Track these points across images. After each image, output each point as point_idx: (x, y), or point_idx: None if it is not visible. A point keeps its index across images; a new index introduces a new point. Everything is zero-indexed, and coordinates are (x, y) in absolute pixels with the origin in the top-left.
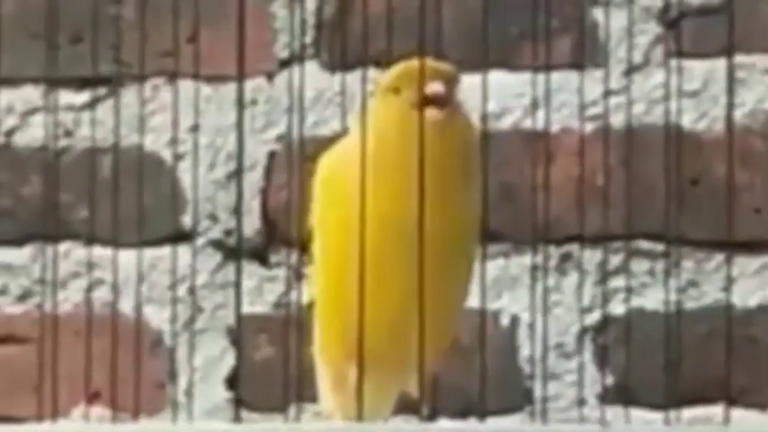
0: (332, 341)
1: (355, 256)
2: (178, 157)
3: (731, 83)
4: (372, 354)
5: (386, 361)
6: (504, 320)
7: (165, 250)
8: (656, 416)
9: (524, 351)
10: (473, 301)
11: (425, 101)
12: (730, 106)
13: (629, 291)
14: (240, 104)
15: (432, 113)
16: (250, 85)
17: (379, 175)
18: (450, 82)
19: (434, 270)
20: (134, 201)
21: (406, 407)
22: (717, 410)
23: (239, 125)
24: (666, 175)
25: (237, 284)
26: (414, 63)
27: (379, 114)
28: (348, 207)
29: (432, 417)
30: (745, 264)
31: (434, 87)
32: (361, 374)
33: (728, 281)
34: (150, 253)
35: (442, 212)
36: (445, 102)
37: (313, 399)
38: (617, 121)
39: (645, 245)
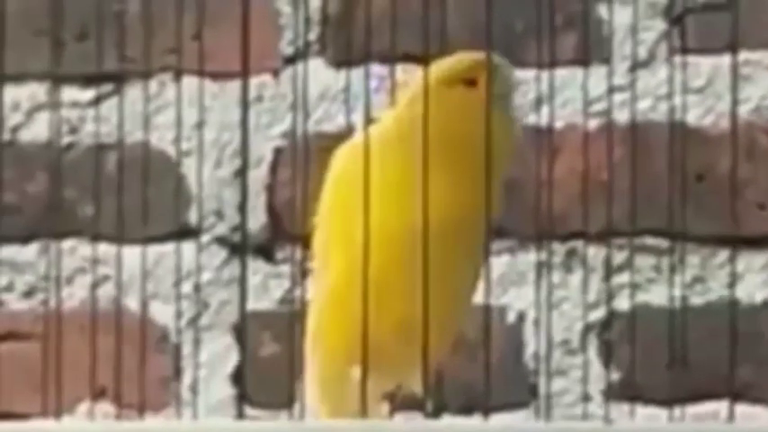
0: (333, 338)
1: (361, 252)
2: (184, 154)
3: (735, 79)
4: (375, 351)
5: (389, 358)
6: (511, 317)
7: (171, 247)
8: (662, 412)
9: (530, 347)
10: (478, 297)
11: (497, 99)
12: (734, 102)
13: (633, 287)
14: (245, 101)
15: (510, 115)
16: (255, 81)
17: (436, 166)
18: (514, 84)
19: (442, 267)
20: (140, 197)
21: (410, 404)
22: (722, 406)
23: (244, 122)
24: (671, 171)
25: (242, 281)
26: (484, 55)
27: (442, 106)
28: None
29: (436, 413)
30: (751, 259)
31: (507, 87)
32: (365, 373)
33: (733, 276)
34: (156, 249)
35: (475, 210)
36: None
37: None
38: (622, 117)
39: (650, 241)
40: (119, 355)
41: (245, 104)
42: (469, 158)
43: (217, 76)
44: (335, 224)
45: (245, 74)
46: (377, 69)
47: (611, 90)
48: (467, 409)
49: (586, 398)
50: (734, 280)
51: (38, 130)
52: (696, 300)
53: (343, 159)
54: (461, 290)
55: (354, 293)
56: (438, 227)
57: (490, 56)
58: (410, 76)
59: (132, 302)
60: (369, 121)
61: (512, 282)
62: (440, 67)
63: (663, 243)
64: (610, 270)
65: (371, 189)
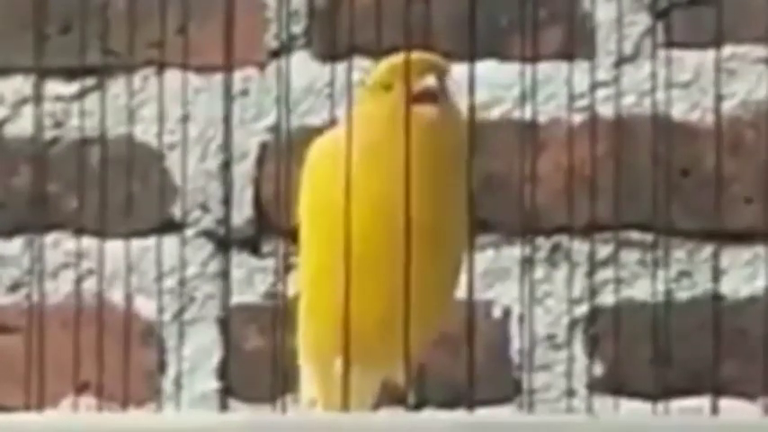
0: (318, 332)
1: (342, 246)
2: (169, 148)
3: (719, 74)
4: (359, 344)
5: (372, 351)
6: (496, 312)
7: (156, 241)
8: (646, 406)
9: (515, 342)
10: (463, 292)
11: (417, 96)
12: (718, 97)
13: (618, 282)
14: (228, 95)
15: (425, 110)
16: (240, 75)
17: (368, 170)
18: (442, 75)
19: (422, 262)
20: (124, 191)
21: (392, 398)
22: (707, 401)
23: (227, 116)
24: (655, 165)
25: (225, 275)
26: (403, 57)
27: (369, 110)
28: (336, 197)
29: (418, 407)
30: (737, 254)
31: (427, 82)
32: (347, 365)
33: (716, 272)
34: (141, 243)
35: (433, 207)
36: (437, 96)
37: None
38: (607, 111)
39: (635, 235)
40: (100, 348)
41: (227, 98)
42: (412, 159)
43: (202, 69)
44: (314, 218)
45: (228, 68)
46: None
47: (595, 85)
48: (452, 404)
49: (571, 392)
50: (717, 275)
51: (23, 124)
52: (682, 294)
53: (317, 154)
54: (442, 284)
55: (336, 287)
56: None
57: (410, 57)
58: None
59: (117, 296)
60: (350, 115)
61: (497, 277)
62: (371, 71)
63: (648, 238)
64: (593, 265)
65: (340, 188)
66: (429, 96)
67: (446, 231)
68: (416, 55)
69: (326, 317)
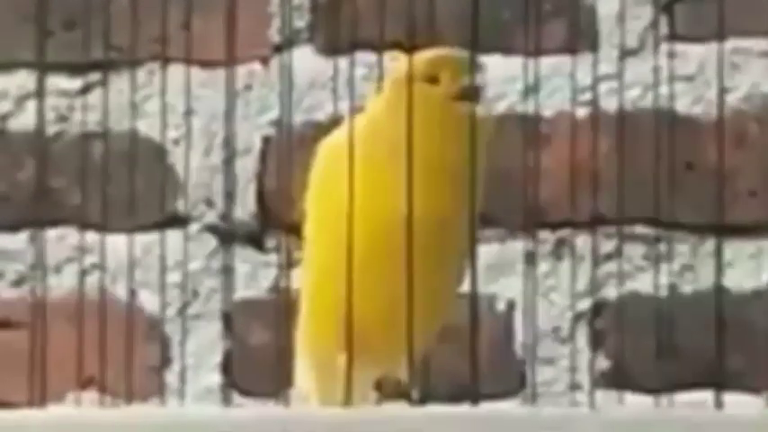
0: (321, 326)
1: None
2: (173, 143)
3: (721, 67)
4: (360, 339)
5: (375, 346)
6: (500, 306)
7: (163, 235)
8: (650, 400)
9: (520, 336)
10: (467, 285)
11: (463, 93)
12: (721, 90)
13: (622, 276)
14: (231, 90)
15: (473, 108)
16: (244, 70)
17: (397, 163)
18: (483, 75)
19: (427, 257)
20: (128, 186)
21: (397, 392)
22: (711, 395)
23: (230, 111)
24: (659, 159)
25: (229, 269)
26: (450, 52)
27: (405, 102)
28: (344, 193)
29: (423, 401)
30: (741, 247)
31: (479, 79)
32: (350, 360)
33: (719, 265)
34: (145, 238)
35: (449, 202)
36: (480, 95)
37: None
38: (611, 105)
39: (639, 229)
40: (103, 343)
41: (230, 93)
42: (442, 153)
43: (207, 64)
44: (321, 214)
45: (230, 62)
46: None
47: (598, 79)
48: (456, 398)
49: (575, 386)
50: (720, 268)
51: (26, 119)
52: (686, 288)
53: (328, 149)
54: (447, 278)
55: (340, 282)
56: (417, 218)
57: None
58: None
59: (121, 291)
60: (354, 110)
61: (501, 271)
62: (405, 64)
63: (652, 231)
64: (597, 258)
65: (356, 179)
66: (474, 94)
67: (454, 226)
68: (455, 51)
69: (330, 312)
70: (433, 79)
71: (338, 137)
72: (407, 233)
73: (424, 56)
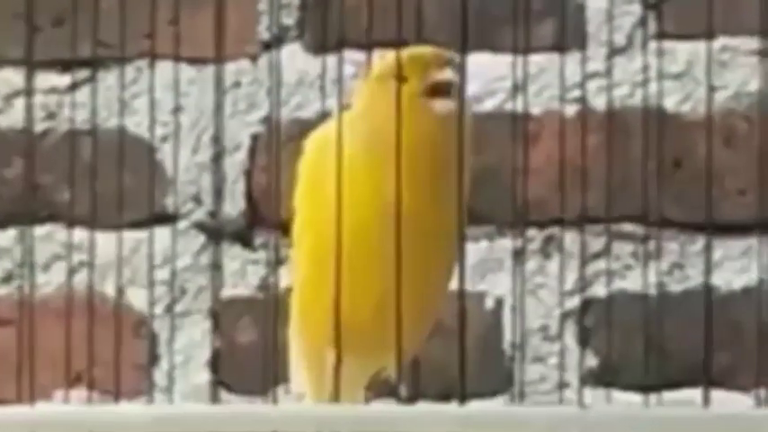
0: (311, 323)
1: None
2: (161, 140)
3: (710, 64)
4: (351, 336)
5: (365, 343)
6: (488, 303)
7: (148, 233)
8: (639, 398)
9: (508, 334)
10: (456, 283)
11: (433, 89)
12: (710, 89)
13: (610, 274)
14: (220, 87)
15: (444, 105)
16: (233, 67)
17: (369, 161)
18: (455, 69)
19: (416, 254)
20: (117, 183)
21: (385, 390)
22: (699, 393)
23: (219, 108)
24: (647, 157)
25: (217, 267)
26: (420, 49)
27: (378, 100)
28: (332, 189)
29: (411, 399)
30: (730, 246)
31: (445, 75)
32: (338, 357)
33: (707, 263)
34: (133, 235)
35: (432, 200)
36: (451, 90)
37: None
38: (599, 103)
39: (628, 227)
40: (91, 340)
41: (219, 90)
42: (416, 151)
43: (195, 61)
44: (308, 210)
45: (219, 59)
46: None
47: (587, 77)
48: (444, 396)
49: (564, 384)
50: (709, 266)
51: (15, 116)
52: (674, 286)
53: (315, 144)
54: (435, 275)
55: (328, 279)
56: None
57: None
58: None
59: (109, 289)
60: (342, 108)
61: (489, 268)
62: (377, 63)
63: (640, 230)
64: (585, 256)
65: (342, 175)
66: (444, 90)
67: (441, 224)
68: (429, 48)
69: (320, 309)
70: (402, 77)
71: (324, 132)
72: (396, 229)
73: (393, 54)
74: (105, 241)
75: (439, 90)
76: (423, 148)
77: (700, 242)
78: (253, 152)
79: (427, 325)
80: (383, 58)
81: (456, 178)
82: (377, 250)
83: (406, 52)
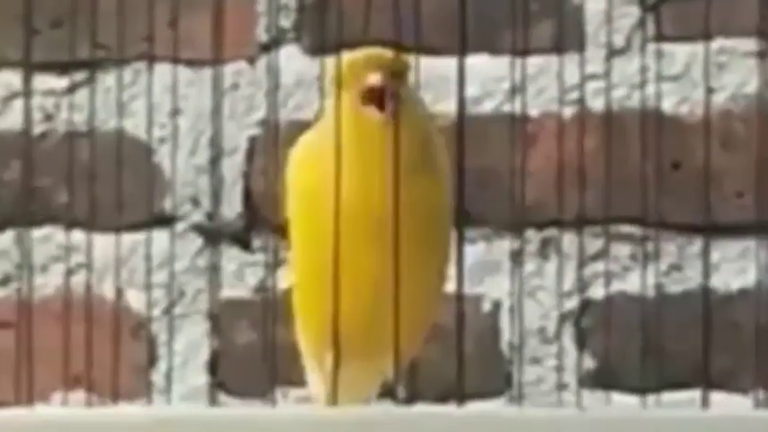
0: (309, 328)
1: (327, 245)
2: (159, 142)
3: (707, 66)
4: (349, 340)
5: (363, 347)
6: (486, 305)
7: (150, 234)
8: (637, 400)
9: (506, 336)
10: (454, 285)
11: (366, 95)
12: (708, 90)
13: (608, 275)
14: (218, 89)
15: (372, 113)
16: (231, 69)
17: (344, 168)
18: (398, 72)
19: (405, 258)
20: (115, 185)
21: (385, 392)
22: (698, 394)
23: (217, 110)
24: (646, 159)
25: (215, 269)
26: (357, 54)
27: (331, 108)
28: (319, 195)
29: (409, 401)
30: (728, 247)
31: (370, 81)
32: (336, 361)
33: (706, 265)
34: (132, 237)
35: (404, 203)
36: (389, 95)
37: (295, 383)
38: (598, 105)
39: (626, 229)
40: (89, 342)
41: (217, 92)
42: (367, 159)
43: (192, 63)
44: (300, 216)
45: (217, 61)
46: None
47: (585, 78)
48: (443, 399)
49: (562, 386)
50: (707, 268)
51: (13, 119)
52: (672, 288)
53: (301, 151)
54: (430, 278)
55: (324, 284)
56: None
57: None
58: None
59: (108, 291)
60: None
61: (487, 270)
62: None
63: (638, 231)
64: (584, 258)
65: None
66: (376, 96)
67: (421, 226)
68: (369, 51)
69: (317, 313)
70: (342, 84)
71: (305, 141)
72: (394, 232)
73: (336, 61)
74: (104, 243)
75: (372, 96)
76: (371, 156)
77: (698, 244)
78: (251, 154)
79: (423, 328)
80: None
81: (431, 182)
82: (360, 257)
83: (345, 58)
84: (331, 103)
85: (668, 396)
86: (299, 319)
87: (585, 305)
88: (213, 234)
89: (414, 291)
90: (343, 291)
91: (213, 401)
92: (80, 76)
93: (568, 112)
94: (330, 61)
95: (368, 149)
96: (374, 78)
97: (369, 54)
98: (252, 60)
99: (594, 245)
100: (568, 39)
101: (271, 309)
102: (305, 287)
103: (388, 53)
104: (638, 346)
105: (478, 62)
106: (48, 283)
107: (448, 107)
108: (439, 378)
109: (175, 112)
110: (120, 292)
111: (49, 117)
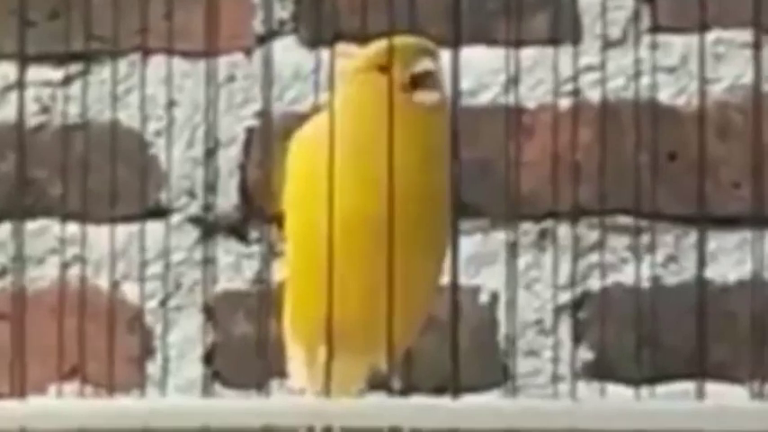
0: (303, 318)
1: (325, 233)
2: (155, 134)
3: (704, 58)
4: (342, 331)
5: (356, 338)
6: (482, 297)
7: (144, 226)
8: (632, 391)
9: (502, 328)
10: (449, 277)
11: (415, 79)
12: (703, 81)
13: (604, 267)
14: (213, 81)
15: (426, 96)
16: (227, 60)
17: (356, 155)
18: (437, 60)
19: (405, 249)
20: (110, 177)
21: (379, 384)
22: (694, 385)
23: (212, 101)
24: (641, 150)
25: (211, 261)
26: (400, 40)
27: (360, 93)
28: (319, 186)
29: (404, 393)
30: (724, 239)
31: (426, 65)
32: (329, 352)
33: (701, 256)
34: (128, 229)
35: (421, 192)
36: (435, 81)
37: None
38: (593, 96)
39: (622, 220)
40: (82, 334)
41: (211, 84)
42: (406, 144)
43: (187, 55)
44: (299, 206)
45: (213, 53)
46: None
47: (581, 70)
48: (439, 390)
49: (558, 378)
50: (703, 259)
51: (8, 110)
52: (668, 279)
53: (299, 145)
54: (426, 270)
55: (320, 276)
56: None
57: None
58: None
59: (103, 283)
60: (332, 102)
61: (483, 262)
62: (360, 54)
63: (634, 223)
64: (579, 250)
65: (329, 172)
66: (426, 81)
67: (430, 218)
68: (410, 39)
69: (311, 304)
70: (383, 69)
71: (307, 130)
72: (389, 222)
73: (371, 47)
74: (99, 235)
75: (422, 80)
76: (409, 140)
77: (694, 235)
78: (247, 146)
79: (418, 320)
80: (366, 50)
81: (443, 170)
82: (366, 245)
83: (384, 43)
84: (346, 90)
85: (664, 387)
86: (292, 309)
87: (581, 297)
88: (209, 226)
89: (410, 282)
90: (339, 280)
91: (209, 393)
92: (75, 68)
93: (564, 103)
94: (345, 51)
95: (416, 133)
96: (427, 63)
97: (416, 41)
98: (248, 52)
99: (590, 236)
100: (564, 30)
101: (266, 301)
102: (300, 277)
103: (425, 40)
104: (633, 338)
105: (474, 54)
106: (43, 276)
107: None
108: (434, 370)
109: (171, 104)
110: (115, 285)
111: (43, 109)
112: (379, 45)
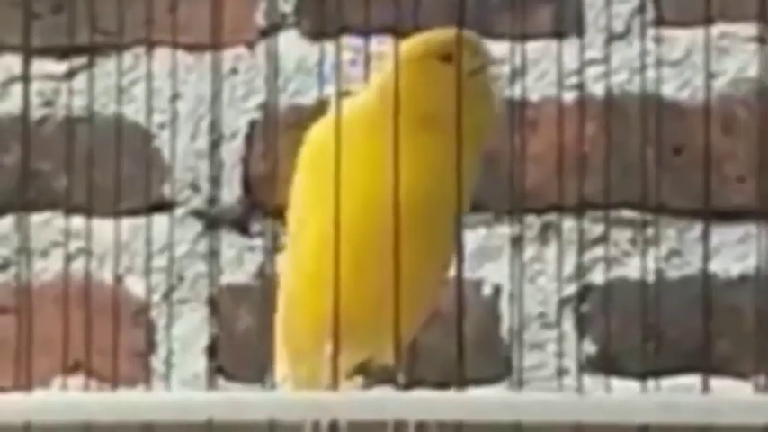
0: (306, 312)
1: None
2: (160, 127)
3: (708, 52)
4: (348, 324)
5: (360, 332)
6: (486, 290)
7: (146, 220)
8: (637, 385)
9: (506, 321)
10: (454, 271)
11: (479, 71)
12: (708, 75)
13: (609, 260)
14: (217, 74)
15: (497, 88)
16: (230, 53)
17: (413, 139)
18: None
19: (414, 243)
20: (115, 171)
21: (384, 377)
22: (698, 379)
23: (216, 95)
24: (646, 144)
25: (215, 254)
26: (463, 32)
27: (419, 83)
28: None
29: (409, 386)
30: (729, 233)
31: (488, 58)
32: (336, 346)
33: (706, 250)
34: (131, 223)
35: (451, 183)
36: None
37: None
38: (598, 90)
39: (627, 214)
40: (88, 328)
41: (217, 77)
42: (447, 133)
43: (192, 48)
44: (310, 198)
45: (217, 46)
46: (354, 42)
47: (585, 63)
48: (443, 384)
49: (562, 371)
50: (707, 253)
51: (13, 103)
52: (673, 273)
53: (318, 134)
54: (434, 263)
55: (327, 269)
56: (413, 201)
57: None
58: (386, 50)
59: (107, 276)
60: (340, 94)
61: (487, 255)
62: (415, 42)
63: (639, 216)
64: (584, 243)
65: (347, 164)
66: (488, 72)
67: (441, 211)
68: (468, 32)
69: (315, 298)
70: (446, 58)
71: (328, 121)
72: (395, 217)
73: (438, 35)
74: (103, 229)
75: (484, 72)
76: (470, 128)
77: (698, 229)
78: (250, 139)
79: (422, 314)
80: (416, 39)
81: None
82: (374, 239)
83: (446, 33)
84: (377, 83)
85: (668, 381)
86: (293, 303)
87: (586, 290)
88: (213, 219)
89: (417, 277)
90: (346, 273)
91: (213, 386)
92: (79, 61)
93: (568, 97)
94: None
95: (463, 124)
96: (488, 56)
97: (469, 34)
98: (251, 45)
99: (595, 230)
100: (568, 23)
101: (270, 294)
102: (306, 271)
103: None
104: (638, 332)
105: None
106: (47, 269)
107: None
108: (439, 363)
109: (175, 98)
110: (119, 278)
111: (48, 102)
112: (440, 35)
